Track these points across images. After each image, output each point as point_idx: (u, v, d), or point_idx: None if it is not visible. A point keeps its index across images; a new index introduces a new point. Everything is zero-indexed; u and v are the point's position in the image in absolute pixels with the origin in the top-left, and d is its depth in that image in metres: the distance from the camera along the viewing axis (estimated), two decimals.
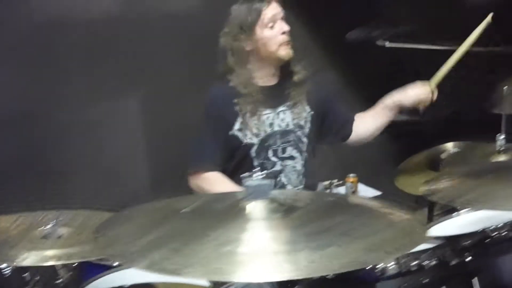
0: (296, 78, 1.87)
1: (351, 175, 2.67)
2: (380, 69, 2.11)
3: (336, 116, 1.98)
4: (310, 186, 1.96)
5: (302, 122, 1.88)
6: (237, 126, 1.80)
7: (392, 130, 2.11)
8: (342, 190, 2.70)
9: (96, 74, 2.20)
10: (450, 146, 2.07)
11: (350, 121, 1.98)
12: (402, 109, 1.90)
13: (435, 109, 2.42)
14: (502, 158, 1.54)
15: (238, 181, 1.81)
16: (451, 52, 1.84)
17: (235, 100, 1.79)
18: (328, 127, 1.98)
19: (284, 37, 1.78)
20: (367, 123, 2.00)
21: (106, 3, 2.19)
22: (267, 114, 1.84)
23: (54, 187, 2.10)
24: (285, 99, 1.86)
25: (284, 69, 1.87)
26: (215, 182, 1.83)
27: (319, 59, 2.31)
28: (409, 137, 2.66)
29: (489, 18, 1.74)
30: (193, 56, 2.27)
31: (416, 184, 1.80)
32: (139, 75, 2.27)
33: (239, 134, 1.80)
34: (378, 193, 2.69)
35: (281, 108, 1.86)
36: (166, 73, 2.31)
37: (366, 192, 2.70)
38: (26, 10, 2.03)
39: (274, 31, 1.78)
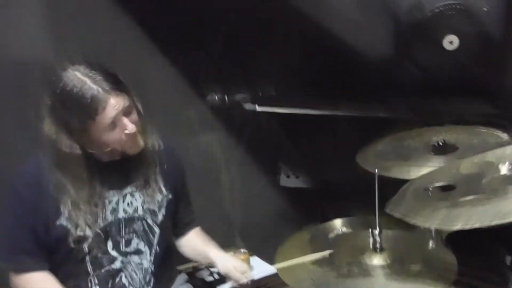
0: (148, 154, 1.48)
1: (242, 250, 2.31)
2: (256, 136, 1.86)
3: (185, 208, 1.66)
4: (163, 285, 1.57)
5: (155, 207, 1.50)
6: (66, 213, 1.39)
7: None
8: None
9: None
10: (338, 224, 1.77)
11: (190, 222, 1.68)
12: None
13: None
14: (377, 260, 1.25)
15: (69, 279, 1.43)
16: (327, 116, 1.59)
17: (62, 183, 1.37)
18: (178, 218, 1.64)
19: (129, 135, 1.38)
20: (192, 245, 1.68)
21: None
22: (110, 198, 1.45)
23: None
24: (134, 177, 1.48)
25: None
26: (40, 286, 1.41)
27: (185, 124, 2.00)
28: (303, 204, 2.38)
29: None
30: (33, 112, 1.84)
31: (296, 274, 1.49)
32: None
33: (68, 225, 1.39)
34: (273, 271, 2.36)
35: (128, 189, 1.48)
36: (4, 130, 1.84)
37: (261, 269, 2.34)
38: None
39: (115, 133, 1.36)
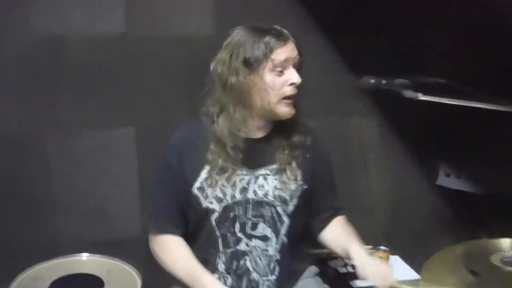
0: (292, 139, 1.42)
1: (382, 248, 2.14)
2: (412, 129, 1.60)
3: (324, 199, 1.52)
4: (289, 276, 1.47)
5: (287, 196, 1.41)
6: (198, 183, 1.38)
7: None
8: None
9: (90, 98, 1.91)
10: (505, 245, 1.46)
11: (333, 212, 1.54)
12: None
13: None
14: None
15: (199, 251, 1.43)
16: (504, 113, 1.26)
17: (208, 148, 1.38)
18: (319, 208, 1.52)
19: (291, 90, 1.35)
20: (332, 236, 1.52)
21: (108, 22, 1.89)
22: (242, 176, 1.40)
23: (35, 222, 1.87)
24: (270, 161, 1.42)
25: (278, 122, 1.42)
26: (169, 249, 1.44)
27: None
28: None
29: None
30: (199, 85, 1.92)
31: None
32: (137, 103, 1.96)
33: (199, 194, 1.39)
34: (416, 276, 2.11)
35: (262, 171, 1.41)
36: (167, 103, 1.96)
37: (401, 271, 2.13)
38: (18, 23, 1.80)
39: (280, 79, 1.34)
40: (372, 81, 1.35)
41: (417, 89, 1.33)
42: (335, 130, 1.70)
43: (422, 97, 1.33)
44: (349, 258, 1.42)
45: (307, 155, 1.44)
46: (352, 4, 1.91)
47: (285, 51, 1.34)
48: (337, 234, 1.51)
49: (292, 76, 1.34)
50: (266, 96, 1.34)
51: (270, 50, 1.32)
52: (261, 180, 1.40)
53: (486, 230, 1.57)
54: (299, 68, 1.38)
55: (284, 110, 1.36)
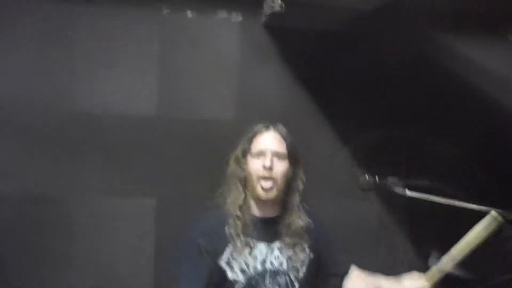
0: (298, 224, 1.67)
1: None
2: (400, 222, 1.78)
3: (332, 265, 1.74)
4: None
5: (298, 265, 1.66)
6: (225, 257, 1.62)
7: None
8: None
9: (118, 170, 2.18)
10: None
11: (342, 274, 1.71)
12: None
13: None
14: None
15: None
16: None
17: (227, 227, 1.63)
18: (322, 274, 1.73)
19: (263, 172, 1.61)
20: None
21: (141, 104, 2.20)
22: (261, 249, 1.65)
23: (51, 278, 2.07)
24: (283, 235, 1.67)
25: (285, 203, 1.69)
26: None
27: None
28: None
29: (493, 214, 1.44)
30: (217, 165, 2.13)
31: None
32: (160, 177, 2.21)
33: (226, 268, 1.62)
34: None
35: (277, 244, 1.66)
36: (188, 179, 2.21)
37: None
38: (63, 98, 2.12)
39: (257, 162, 1.63)
40: (367, 179, 1.58)
41: (405, 187, 1.55)
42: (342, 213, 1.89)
43: (409, 194, 1.54)
44: None
45: (312, 228, 1.68)
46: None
47: (263, 141, 1.64)
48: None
49: (266, 160, 1.60)
50: (250, 178, 1.63)
51: (251, 140, 1.65)
52: (276, 252, 1.65)
53: None
54: (281, 158, 1.62)
55: (260, 191, 1.61)
